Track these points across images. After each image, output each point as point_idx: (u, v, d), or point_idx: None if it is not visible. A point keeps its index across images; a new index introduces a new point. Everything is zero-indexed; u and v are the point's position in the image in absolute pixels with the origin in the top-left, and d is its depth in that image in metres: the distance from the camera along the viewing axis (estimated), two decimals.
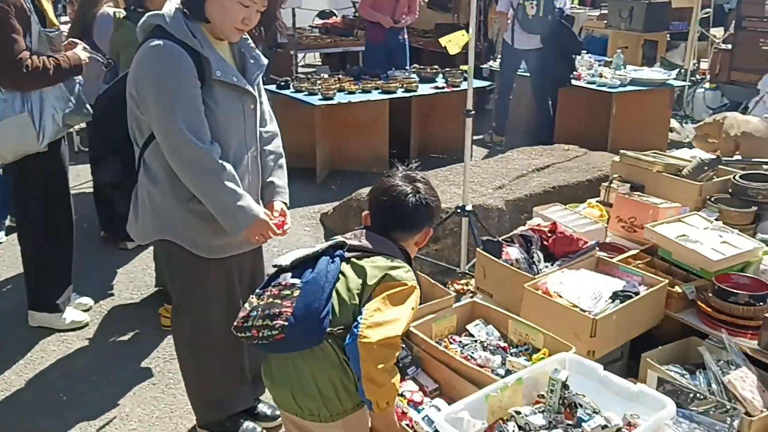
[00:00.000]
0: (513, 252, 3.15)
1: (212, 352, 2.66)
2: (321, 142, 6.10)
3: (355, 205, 4.58)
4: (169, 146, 2.29)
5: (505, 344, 2.51)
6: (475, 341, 2.53)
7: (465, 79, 6.70)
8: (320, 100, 6.00)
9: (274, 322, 1.89)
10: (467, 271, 3.95)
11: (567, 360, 2.19)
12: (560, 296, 2.85)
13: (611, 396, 2.09)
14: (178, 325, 2.68)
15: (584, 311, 2.76)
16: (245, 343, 2.72)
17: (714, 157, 3.63)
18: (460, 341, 2.56)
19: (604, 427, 1.87)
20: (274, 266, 2.07)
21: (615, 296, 2.84)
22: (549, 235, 3.17)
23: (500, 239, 3.30)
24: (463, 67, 3.78)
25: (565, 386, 2.01)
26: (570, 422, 1.98)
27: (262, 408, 2.93)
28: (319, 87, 6.14)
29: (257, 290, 2.04)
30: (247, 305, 2.00)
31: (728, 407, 2.48)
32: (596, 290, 2.88)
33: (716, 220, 3.30)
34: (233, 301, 2.62)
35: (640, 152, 3.87)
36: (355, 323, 1.92)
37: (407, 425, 2.15)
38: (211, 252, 2.49)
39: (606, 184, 3.77)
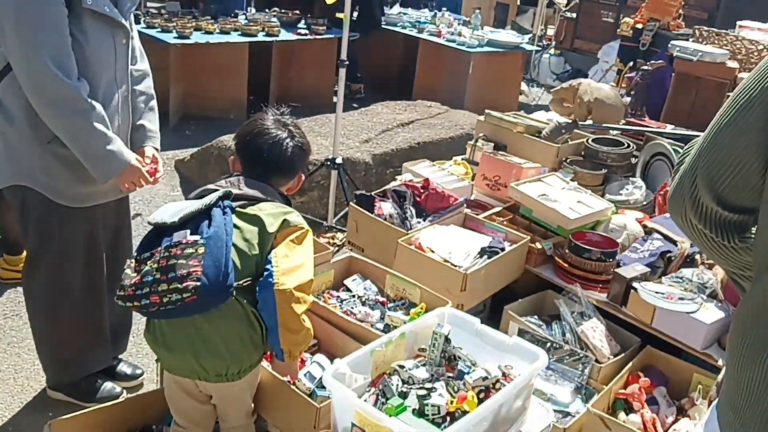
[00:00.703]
0: (386, 207, 3.17)
1: (69, 309, 2.46)
2: (175, 84, 5.75)
3: (215, 153, 4.39)
4: (30, 82, 2.03)
5: (383, 299, 2.54)
6: (354, 296, 2.54)
7: (328, 27, 6.59)
8: (175, 38, 5.62)
9: (184, 284, 1.72)
10: (334, 225, 3.93)
11: (446, 314, 2.25)
12: (433, 251, 2.92)
13: (487, 348, 2.18)
14: (32, 279, 2.43)
15: (455, 266, 2.85)
16: (105, 298, 2.54)
17: (570, 121, 3.85)
18: (338, 296, 2.55)
19: (485, 378, 1.94)
20: (153, 224, 1.90)
21: (483, 252, 2.95)
22: (422, 191, 3.22)
23: (373, 194, 3.31)
24: (339, 15, 3.68)
25: (447, 340, 2.07)
26: (451, 374, 2.05)
27: (121, 367, 2.77)
28: (174, 24, 5.75)
29: (139, 253, 1.85)
30: (129, 271, 1.81)
31: (581, 355, 2.70)
32: (466, 246, 2.99)
33: (571, 180, 3.52)
34: (95, 254, 2.42)
35: (503, 113, 4.01)
36: (267, 272, 1.85)
37: (288, 382, 2.12)
38: (74, 201, 2.27)
39: (472, 142, 3.88)
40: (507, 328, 2.86)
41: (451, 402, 1.91)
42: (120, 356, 2.81)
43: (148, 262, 1.78)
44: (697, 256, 3.01)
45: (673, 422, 2.54)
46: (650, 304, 2.75)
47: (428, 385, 1.93)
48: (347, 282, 2.63)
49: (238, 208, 1.96)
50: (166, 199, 2.31)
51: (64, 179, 2.22)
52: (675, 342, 2.71)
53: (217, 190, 1.97)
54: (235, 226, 1.90)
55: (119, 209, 2.53)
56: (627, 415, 2.54)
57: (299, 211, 4.15)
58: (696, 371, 2.71)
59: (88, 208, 2.32)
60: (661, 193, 3.38)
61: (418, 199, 3.21)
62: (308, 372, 2.14)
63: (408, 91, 6.88)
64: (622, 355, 2.74)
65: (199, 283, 1.74)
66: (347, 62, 3.71)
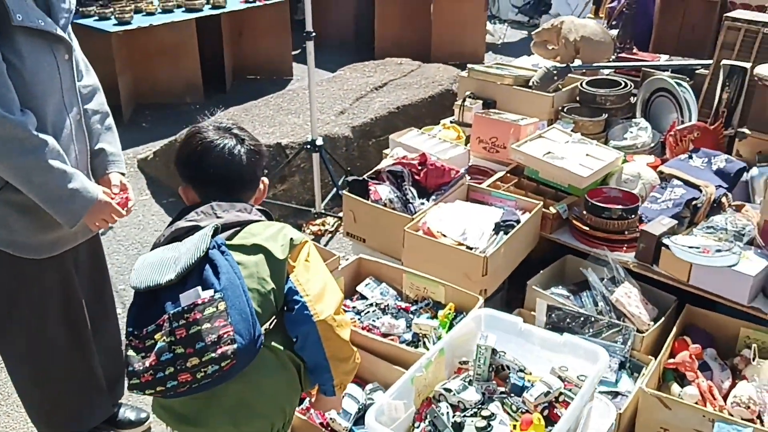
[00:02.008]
0: (383, 191, 2.89)
1: (56, 368, 2.16)
2: (122, 74, 5.30)
3: None
4: None
5: (405, 304, 2.28)
6: (371, 305, 2.28)
7: None
8: (115, 25, 5.16)
9: (219, 352, 1.44)
10: (324, 211, 3.64)
11: (483, 317, 2.01)
12: (444, 235, 2.67)
13: (534, 349, 1.96)
14: (10, 345, 2.12)
15: (471, 249, 2.61)
16: (92, 346, 2.24)
17: (563, 66, 3.56)
18: (354, 307, 2.30)
19: (547, 393, 1.72)
20: (143, 288, 1.54)
21: (498, 228, 2.71)
22: (419, 168, 2.94)
23: (365, 177, 3.02)
24: None
25: (494, 352, 1.83)
26: (503, 390, 1.82)
27: (124, 414, 2.49)
28: (112, 10, 5.27)
29: (136, 328, 1.52)
30: (132, 353, 1.48)
31: (621, 326, 2.49)
32: (478, 223, 2.73)
33: (572, 131, 3.26)
34: (73, 304, 2.12)
35: (486, 65, 3.72)
36: (298, 304, 1.59)
37: (321, 424, 1.87)
38: (40, 251, 1.95)
39: (459, 102, 3.59)
40: (533, 305, 2.64)
41: (514, 427, 1.69)
42: (120, 401, 2.53)
43: (157, 336, 1.47)
44: (723, 199, 2.80)
45: (731, 387, 2.36)
46: (686, 261, 2.54)
47: (485, 413, 1.69)
48: (361, 289, 2.37)
49: (228, 242, 1.65)
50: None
51: (25, 229, 1.90)
52: (718, 299, 2.51)
53: (195, 227, 1.64)
54: (237, 263, 1.61)
55: (92, 248, 2.21)
56: (681, 387, 2.35)
57: (281, 200, 3.87)
58: (743, 326, 2.53)
59: (57, 257, 2.00)
60: (672, 133, 3.14)
61: (416, 177, 2.93)
62: (342, 409, 1.89)
63: (368, 49, 6.50)
64: (662, 319, 2.54)
65: (236, 345, 1.45)
66: (314, 34, 3.36)
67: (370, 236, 2.92)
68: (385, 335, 2.14)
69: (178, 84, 5.69)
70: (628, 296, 2.60)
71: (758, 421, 2.24)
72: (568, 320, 2.56)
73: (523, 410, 1.74)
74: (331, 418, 1.85)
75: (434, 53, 6.32)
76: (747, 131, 3.02)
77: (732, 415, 2.24)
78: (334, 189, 3.63)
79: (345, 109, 4.16)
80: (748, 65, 3.11)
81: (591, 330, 2.52)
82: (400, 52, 5.86)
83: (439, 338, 2.13)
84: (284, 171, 3.68)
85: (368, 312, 2.23)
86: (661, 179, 3.01)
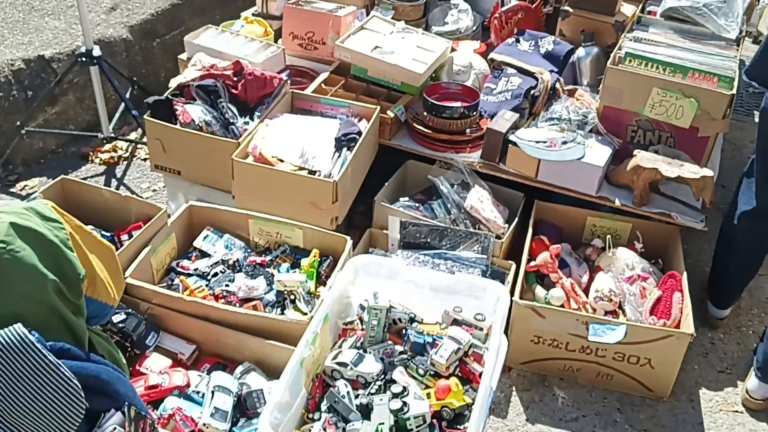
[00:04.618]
0: (194, 111, 2.41)
1: None
2: None
3: None
4: None
5: (258, 257, 1.92)
6: (217, 263, 1.88)
7: None
8: None
9: None
10: (113, 134, 3.03)
11: (360, 266, 1.73)
12: (281, 160, 2.29)
13: (424, 292, 1.74)
14: None
15: (314, 173, 2.27)
16: None
17: None
18: (197, 269, 1.89)
19: (458, 350, 1.52)
20: None
21: (339, 143, 2.39)
22: (235, 79, 2.47)
23: (168, 95, 2.49)
24: None
25: (389, 311, 1.58)
26: (401, 349, 1.60)
27: None
28: None
29: None
30: None
31: (479, 235, 2.36)
32: (315, 141, 2.39)
33: (393, 18, 2.95)
34: None
35: None
36: None
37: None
38: None
39: None
40: (383, 222, 2.42)
41: (428, 395, 1.47)
42: None
43: None
44: (558, 85, 2.71)
45: (590, 280, 2.37)
46: (534, 158, 2.45)
47: (396, 388, 1.46)
48: (199, 244, 1.96)
49: None
50: None
51: None
52: (566, 192, 2.47)
53: None
54: None
55: None
56: (546, 290, 2.31)
57: (55, 126, 3.11)
58: (590, 215, 2.53)
59: None
60: (496, 15, 2.95)
61: (233, 91, 2.47)
62: (214, 408, 1.54)
63: None
64: (515, 221, 2.45)
65: None
66: None
67: (186, 167, 2.45)
68: (244, 301, 1.78)
69: None
70: (481, 201, 2.46)
71: (620, 311, 2.28)
72: (422, 235, 2.38)
73: (432, 372, 1.53)
74: (204, 424, 1.50)
75: None
76: (570, 9, 2.92)
77: (596, 310, 2.26)
78: (122, 105, 3.01)
79: (116, 4, 3.42)
80: None
81: (449, 243, 2.37)
82: None
83: (309, 293, 1.82)
84: (54, 91, 2.96)
85: (216, 274, 1.84)
86: (493, 68, 2.84)
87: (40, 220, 1.22)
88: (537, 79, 2.67)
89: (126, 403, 1.16)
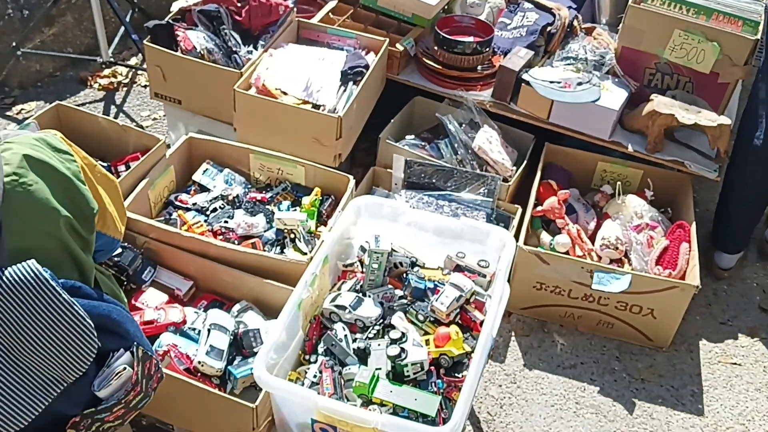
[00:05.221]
0: (196, 38, 2.32)
1: None
2: None
3: None
4: None
5: (259, 193, 1.87)
6: (216, 198, 1.84)
7: None
8: None
9: None
10: (112, 59, 2.93)
11: (362, 207, 1.68)
12: (285, 93, 2.22)
13: (428, 236, 1.69)
14: None
15: (319, 107, 2.20)
16: None
17: None
18: (195, 203, 1.84)
19: (459, 298, 1.48)
20: None
21: (345, 77, 2.30)
22: (239, 5, 2.36)
23: (168, 20, 2.39)
24: None
25: (390, 254, 1.54)
26: (401, 294, 1.57)
27: None
28: None
29: None
30: None
31: (485, 177, 2.31)
32: (321, 73, 2.30)
33: None
34: None
35: None
36: None
37: (188, 370, 1.51)
38: None
39: None
40: (388, 161, 2.36)
41: (427, 342, 1.45)
42: None
43: None
44: (575, 23, 2.60)
45: (596, 227, 2.32)
46: (547, 99, 2.36)
47: (394, 334, 1.43)
48: (198, 177, 1.91)
49: None
50: None
51: None
52: (578, 135, 2.39)
53: None
54: None
55: None
56: (549, 233, 2.27)
57: (53, 48, 3.00)
58: (600, 160, 2.47)
59: None
60: None
61: (237, 18, 2.37)
62: (210, 345, 1.53)
63: None
64: (524, 163, 2.39)
65: None
66: None
67: (186, 97, 2.37)
68: (243, 238, 1.75)
69: None
70: (489, 142, 2.39)
71: (626, 259, 2.24)
72: (427, 175, 2.33)
73: (432, 318, 1.50)
74: (199, 362, 1.49)
75: None
76: None
77: (601, 258, 2.23)
78: (122, 29, 2.91)
79: None
80: None
81: (454, 184, 2.32)
82: None
83: (309, 232, 1.78)
84: (51, 11, 2.85)
85: (215, 209, 1.79)
86: (508, 2, 2.72)
87: (52, 152, 1.16)
88: (554, 15, 2.55)
89: (135, 342, 1.14)
